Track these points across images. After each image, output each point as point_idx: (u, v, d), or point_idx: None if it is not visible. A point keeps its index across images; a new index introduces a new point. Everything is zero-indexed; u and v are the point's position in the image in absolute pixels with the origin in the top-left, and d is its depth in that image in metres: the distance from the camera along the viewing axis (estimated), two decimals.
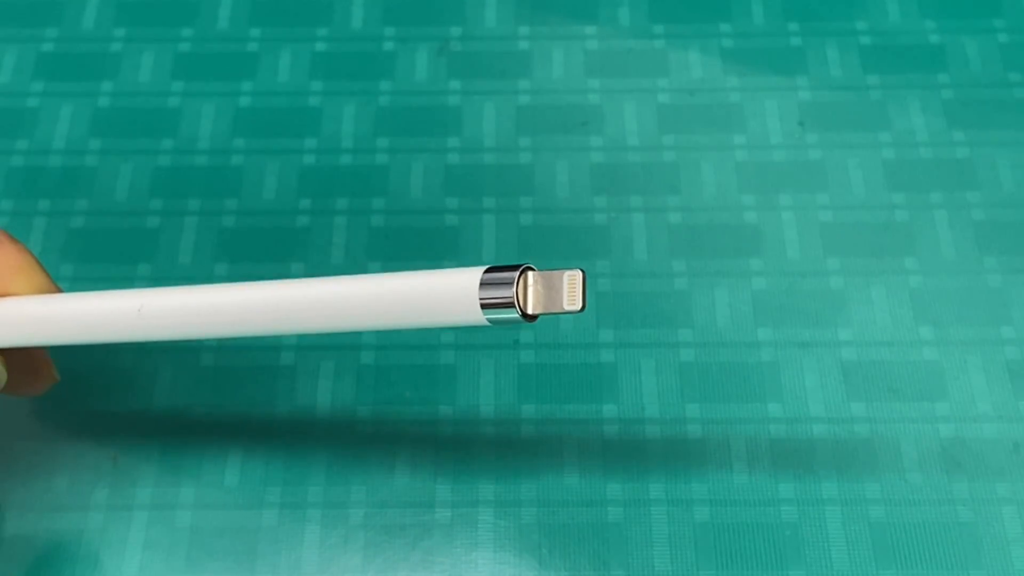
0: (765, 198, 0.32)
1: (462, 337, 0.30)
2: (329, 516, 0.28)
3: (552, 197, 0.32)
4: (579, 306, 0.19)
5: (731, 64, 0.35)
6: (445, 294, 0.20)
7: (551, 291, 0.20)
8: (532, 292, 0.20)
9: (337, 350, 0.30)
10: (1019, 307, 0.30)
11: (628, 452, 0.29)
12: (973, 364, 0.30)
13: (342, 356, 0.30)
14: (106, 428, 0.29)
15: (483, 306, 0.20)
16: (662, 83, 0.35)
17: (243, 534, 0.27)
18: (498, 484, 0.28)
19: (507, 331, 0.30)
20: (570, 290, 0.19)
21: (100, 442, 0.29)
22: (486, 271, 0.20)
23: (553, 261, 0.31)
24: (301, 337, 0.30)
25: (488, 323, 0.20)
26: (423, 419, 0.29)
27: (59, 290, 0.25)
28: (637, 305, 0.31)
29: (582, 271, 0.19)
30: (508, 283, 0.19)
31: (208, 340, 0.30)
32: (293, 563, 0.27)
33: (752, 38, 0.35)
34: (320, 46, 0.35)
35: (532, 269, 0.20)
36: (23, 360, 0.26)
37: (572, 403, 0.29)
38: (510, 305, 0.19)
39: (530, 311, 0.20)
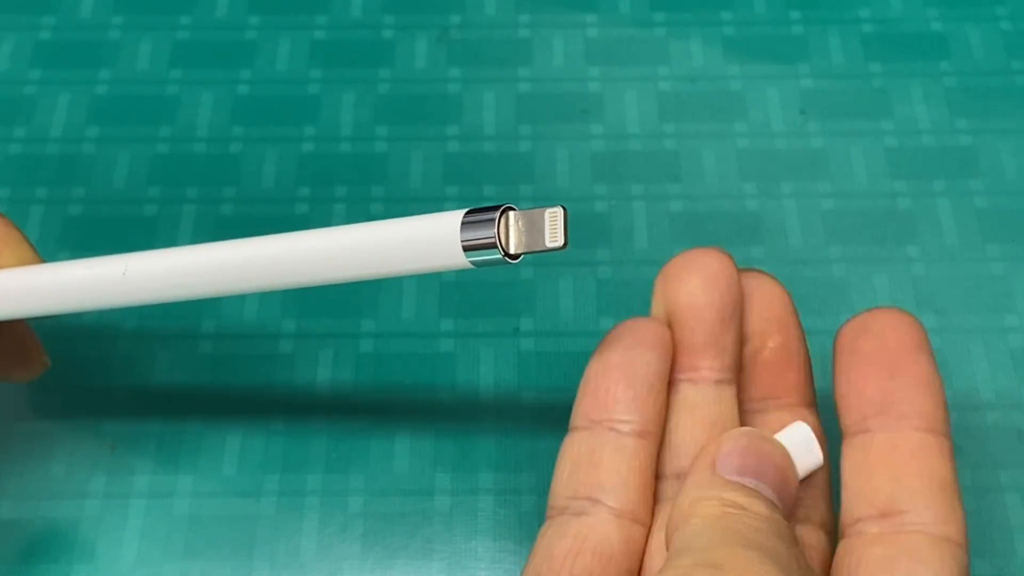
0: (767, 186, 0.32)
1: (461, 325, 0.30)
2: (328, 504, 0.27)
3: (552, 185, 0.32)
4: (561, 242, 0.19)
5: (732, 52, 0.35)
6: (427, 238, 0.20)
7: (533, 229, 0.19)
8: (514, 231, 0.19)
9: (336, 338, 0.30)
10: (1022, 295, 0.30)
11: None
12: (977, 352, 0.29)
13: (341, 344, 0.30)
14: (103, 416, 0.29)
15: (465, 248, 0.19)
16: (663, 71, 0.34)
17: (241, 522, 0.27)
18: (498, 472, 0.28)
19: (506, 319, 0.30)
20: (552, 227, 0.19)
21: (97, 430, 0.29)
22: (467, 213, 0.20)
23: None
24: (300, 325, 0.30)
25: (472, 265, 0.20)
26: (422, 407, 0.29)
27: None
28: (638, 293, 0.30)
29: (563, 207, 0.19)
30: (489, 223, 0.19)
31: (206, 327, 0.30)
32: (291, 551, 0.27)
33: (753, 26, 0.35)
34: (319, 34, 0.35)
35: (513, 209, 0.20)
36: (12, 344, 0.26)
37: (573, 391, 0.29)
38: (492, 246, 0.19)
39: (512, 250, 0.19)
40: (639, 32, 0.35)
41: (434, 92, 0.34)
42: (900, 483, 0.22)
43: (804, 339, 0.25)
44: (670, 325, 0.24)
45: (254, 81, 0.34)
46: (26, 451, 0.28)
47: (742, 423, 0.24)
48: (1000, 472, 0.28)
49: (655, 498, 0.23)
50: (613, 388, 0.23)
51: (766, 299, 0.24)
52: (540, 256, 0.21)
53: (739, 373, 0.24)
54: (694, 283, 0.23)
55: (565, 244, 0.19)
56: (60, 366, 0.28)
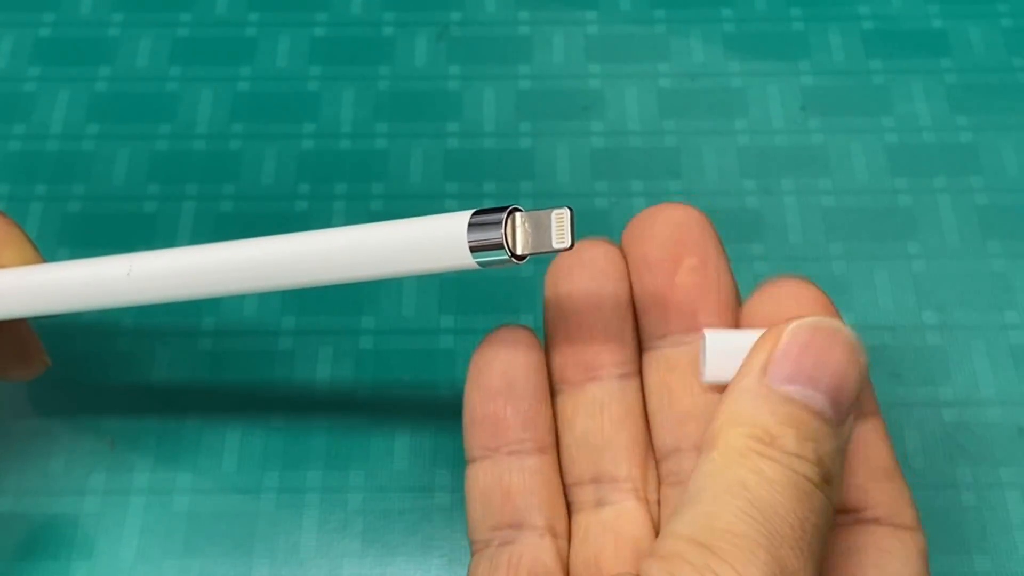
0: (767, 183, 0.32)
1: (462, 321, 0.30)
2: (327, 501, 0.27)
3: (553, 182, 0.32)
4: (567, 243, 0.19)
5: (733, 49, 0.35)
6: (434, 239, 0.20)
7: (539, 230, 0.19)
8: (520, 232, 0.20)
9: (336, 335, 0.30)
10: (1023, 291, 0.30)
11: None
12: (977, 349, 0.29)
13: (341, 341, 0.30)
14: (102, 413, 0.29)
15: (472, 249, 0.19)
16: (663, 68, 0.34)
17: (241, 519, 0.27)
18: None
19: (506, 316, 0.30)
20: (558, 228, 0.19)
21: (96, 427, 0.29)
22: (474, 214, 0.20)
23: None
24: (300, 322, 0.30)
25: (478, 266, 0.20)
26: (422, 404, 0.29)
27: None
28: None
29: (569, 208, 0.19)
30: (496, 224, 0.19)
31: (206, 324, 0.30)
32: (291, 548, 0.27)
33: (754, 23, 0.35)
34: (319, 31, 0.35)
35: (519, 210, 0.20)
36: (13, 344, 0.26)
37: None
38: (499, 246, 0.19)
39: (519, 251, 0.20)
40: (639, 29, 0.35)
41: (434, 89, 0.34)
42: (848, 481, 0.21)
43: (726, 263, 0.23)
44: (564, 322, 0.23)
45: (254, 78, 0.34)
46: (25, 448, 0.28)
47: (661, 358, 0.23)
48: (1000, 469, 0.28)
49: (574, 508, 0.23)
50: (501, 413, 0.22)
51: (679, 223, 0.23)
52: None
53: (639, 362, 0.23)
54: (586, 280, 0.23)
55: (572, 245, 0.19)
56: (59, 363, 0.28)
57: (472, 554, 0.23)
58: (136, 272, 0.22)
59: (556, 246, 0.19)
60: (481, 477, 0.22)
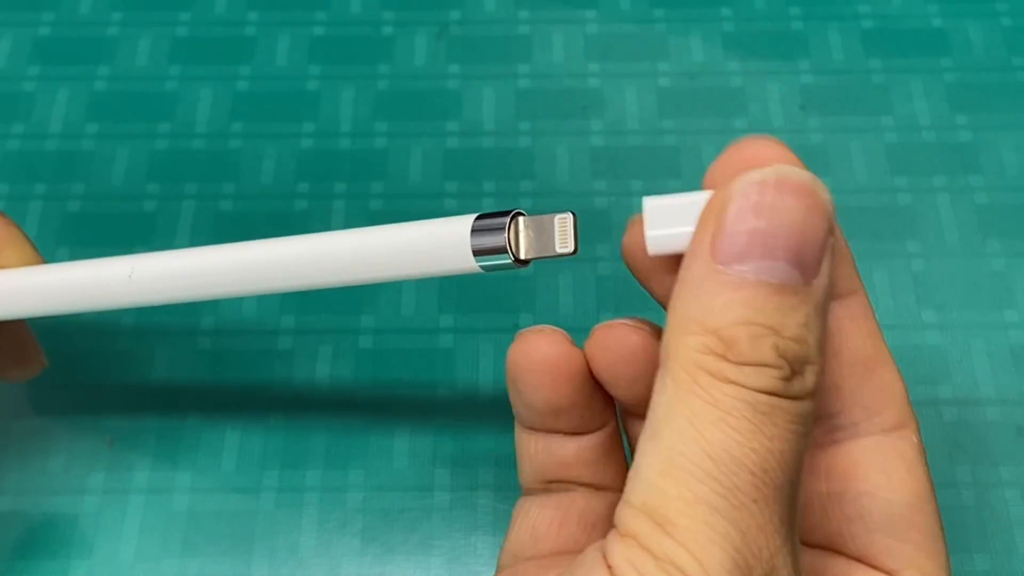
0: None
1: (461, 321, 0.30)
2: (327, 500, 0.27)
3: (552, 181, 0.32)
4: (571, 248, 0.19)
5: (732, 48, 0.35)
6: (437, 243, 0.20)
7: (543, 235, 0.19)
8: (524, 237, 0.20)
9: (335, 334, 0.30)
10: (1022, 290, 0.30)
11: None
12: (976, 348, 0.29)
13: (340, 340, 0.30)
14: (102, 412, 0.29)
15: (475, 253, 0.19)
16: (663, 67, 0.34)
17: (240, 518, 0.27)
18: (497, 468, 0.28)
19: (506, 315, 0.30)
20: (561, 233, 0.19)
21: (95, 426, 0.29)
22: (477, 218, 0.20)
23: None
24: (299, 321, 0.30)
25: (481, 270, 0.20)
26: (422, 403, 0.29)
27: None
28: (638, 289, 0.30)
29: (572, 213, 0.19)
30: (499, 229, 0.19)
31: (205, 323, 0.30)
32: (291, 547, 0.27)
33: (753, 22, 0.35)
34: (318, 30, 0.35)
35: (523, 214, 0.20)
36: (10, 344, 0.26)
37: None
38: (502, 251, 0.19)
39: (523, 256, 0.20)
40: (639, 28, 0.35)
41: (433, 88, 0.34)
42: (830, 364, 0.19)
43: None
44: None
45: (253, 77, 0.34)
46: (25, 447, 0.28)
47: None
48: (1000, 468, 0.28)
49: None
50: (557, 399, 0.21)
51: None
52: None
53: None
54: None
55: (575, 250, 0.19)
56: (58, 362, 0.28)
57: (523, 495, 0.23)
58: (138, 274, 0.22)
59: (559, 251, 0.19)
60: (532, 444, 0.22)
